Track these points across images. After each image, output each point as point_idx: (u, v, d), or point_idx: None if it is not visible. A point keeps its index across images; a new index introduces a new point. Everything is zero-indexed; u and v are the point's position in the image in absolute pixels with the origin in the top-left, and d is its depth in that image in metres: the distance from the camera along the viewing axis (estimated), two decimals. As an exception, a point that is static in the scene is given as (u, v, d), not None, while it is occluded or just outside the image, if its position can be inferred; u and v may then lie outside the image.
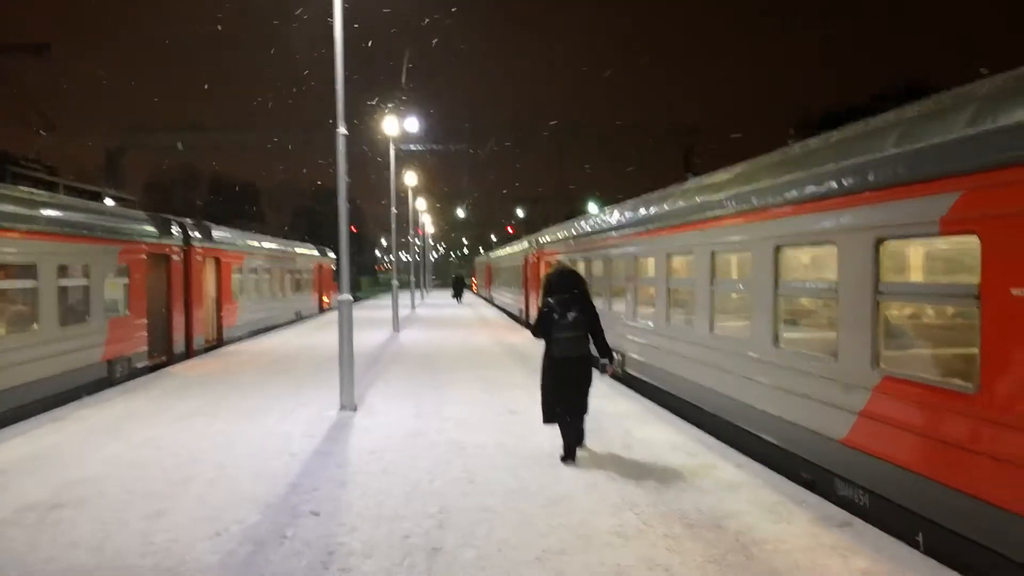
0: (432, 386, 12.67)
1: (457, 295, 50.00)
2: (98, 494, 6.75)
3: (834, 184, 6.78)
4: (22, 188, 11.48)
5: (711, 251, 9.59)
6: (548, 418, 7.93)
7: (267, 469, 7.56)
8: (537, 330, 7.89)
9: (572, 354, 7.68)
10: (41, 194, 11.94)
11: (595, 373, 7.93)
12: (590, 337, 7.80)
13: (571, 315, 7.65)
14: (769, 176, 8.19)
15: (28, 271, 11.02)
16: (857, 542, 5.49)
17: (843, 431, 6.56)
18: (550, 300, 7.80)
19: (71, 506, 6.41)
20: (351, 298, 10.70)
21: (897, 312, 6.97)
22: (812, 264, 8.29)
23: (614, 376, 9.03)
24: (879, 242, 6.18)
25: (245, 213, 78.88)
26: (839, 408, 6.61)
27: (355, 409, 10.51)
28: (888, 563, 5.13)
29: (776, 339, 7.85)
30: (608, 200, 18.58)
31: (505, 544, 5.47)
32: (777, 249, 7.84)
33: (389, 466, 7.65)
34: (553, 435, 8.64)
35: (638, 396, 11.58)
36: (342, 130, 10.36)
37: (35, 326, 11.10)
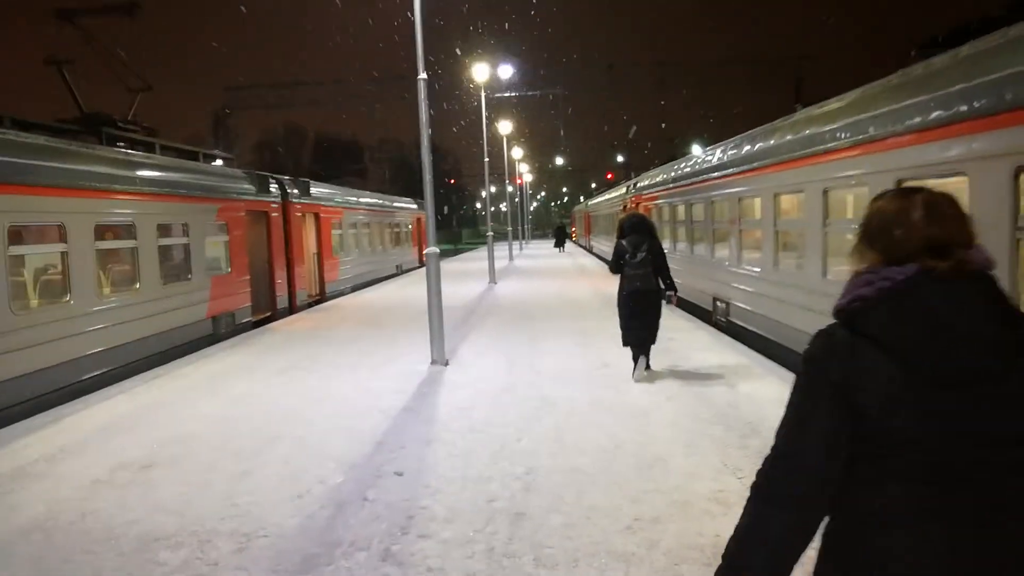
0: (525, 338, 12.36)
1: (559, 244, 49.85)
2: (189, 453, 6.78)
3: (963, 107, 5.92)
4: (116, 149, 11.68)
5: (823, 188, 8.76)
6: (626, 342, 9.06)
7: (355, 426, 7.44)
8: (613, 267, 9.12)
9: (641, 287, 8.73)
10: (136, 155, 12.15)
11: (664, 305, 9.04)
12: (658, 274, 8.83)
13: (640, 254, 8.72)
14: (887, 101, 7.30)
15: (128, 231, 11.27)
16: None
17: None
18: (623, 242, 8.88)
19: (162, 465, 6.44)
20: (437, 250, 10.43)
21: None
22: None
23: (678, 305, 10.21)
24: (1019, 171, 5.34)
25: (349, 170, 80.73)
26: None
27: (446, 364, 10.32)
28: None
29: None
30: (713, 143, 17.58)
31: (594, 510, 5.09)
32: (898, 183, 7.00)
33: (477, 423, 7.39)
34: (649, 391, 8.19)
35: (744, 348, 10.91)
36: (422, 75, 9.96)
37: (137, 285, 11.38)
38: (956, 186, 6.19)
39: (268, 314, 16.94)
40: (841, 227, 8.69)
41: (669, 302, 9.29)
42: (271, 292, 17.37)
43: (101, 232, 10.45)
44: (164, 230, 12.28)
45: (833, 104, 8.95)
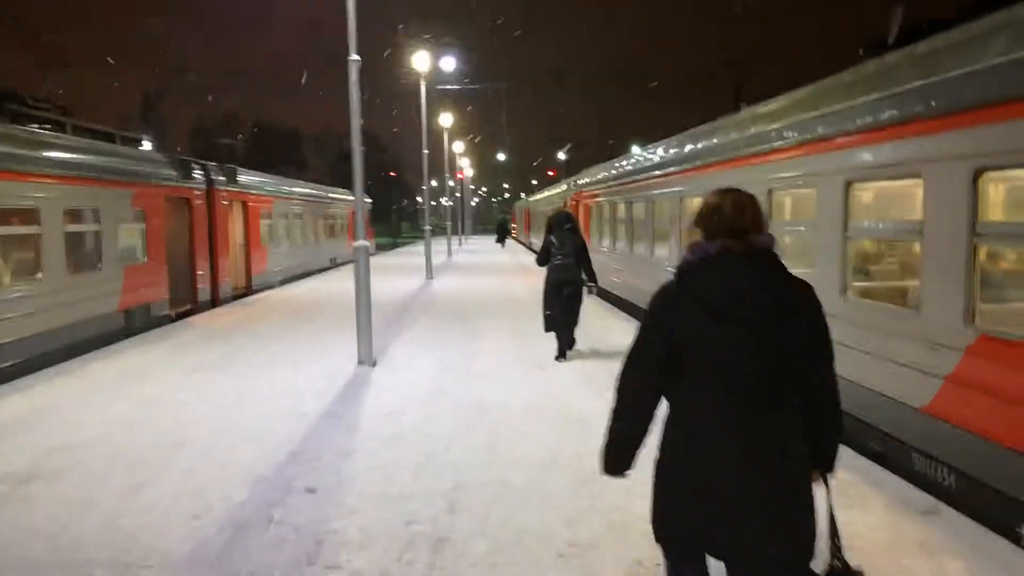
0: (459, 337, 11.86)
1: (500, 240, 50.07)
2: (78, 463, 6.08)
3: (919, 106, 5.65)
4: (15, 126, 10.73)
5: (768, 189, 8.48)
6: (548, 327, 9.90)
7: (269, 433, 6.83)
8: (541, 259, 9.91)
9: (565, 277, 9.58)
10: (41, 134, 11.21)
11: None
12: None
13: (565, 247, 9.61)
14: (839, 99, 7.02)
15: (29, 216, 10.36)
16: (947, 536, 4.54)
17: (927, 398, 5.56)
18: (551, 237, 9.74)
19: (45, 479, 5.75)
20: (367, 243, 9.83)
21: (997, 258, 5.87)
22: (887, 203, 7.17)
23: (598, 294, 11.16)
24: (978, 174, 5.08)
25: (288, 160, 78.62)
26: (922, 371, 5.59)
27: (374, 364, 9.74)
28: (990, 564, 4.18)
29: (844, 289, 6.80)
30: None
31: (525, 533, 4.65)
32: (848, 185, 6.73)
33: (404, 431, 6.87)
34: (587, 397, 7.81)
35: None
36: (354, 56, 9.34)
37: (39, 275, 10.47)
38: (911, 188, 5.94)
39: (188, 307, 16.03)
40: (791, 229, 8.44)
41: (590, 292, 10.30)
42: (192, 284, 16.45)
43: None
44: (71, 216, 11.37)
45: (782, 101, 8.68)
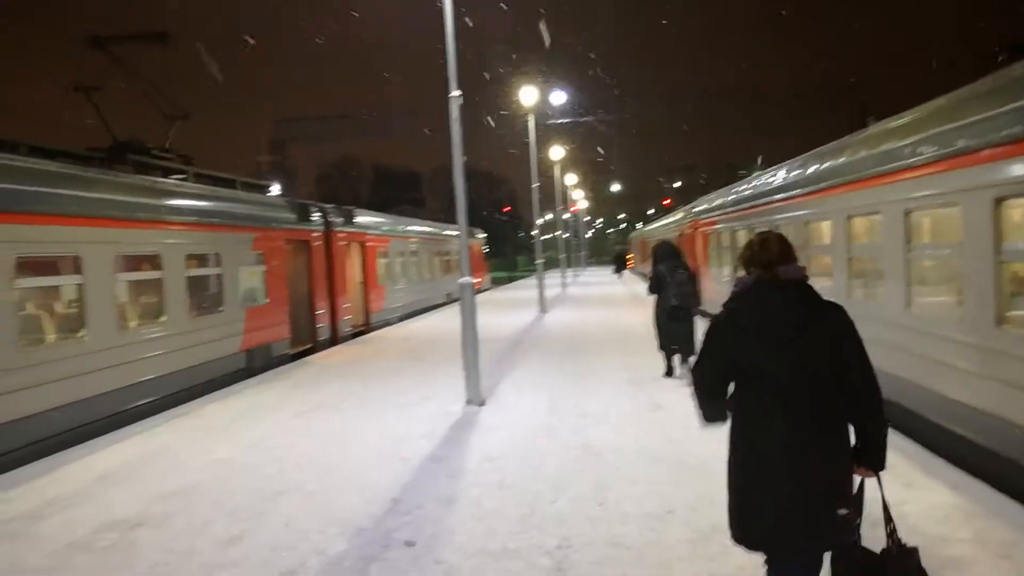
0: (571, 374, 11.44)
1: (618, 270, 50.83)
2: (184, 509, 6.05)
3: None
4: (139, 176, 11.23)
5: (904, 209, 7.69)
6: (662, 345, 10.70)
7: (372, 479, 6.63)
8: (652, 287, 10.71)
9: (680, 304, 10.29)
10: (161, 182, 11.70)
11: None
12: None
13: (678, 275, 10.39)
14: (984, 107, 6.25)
15: (152, 262, 10.78)
16: None
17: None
18: (660, 267, 10.55)
19: (151, 525, 5.73)
20: (471, 280, 9.58)
21: None
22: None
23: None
24: None
25: (406, 199, 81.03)
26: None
27: (482, 403, 9.47)
28: None
29: (999, 319, 5.97)
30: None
31: (637, 601, 4.17)
32: (998, 202, 5.93)
33: (508, 477, 6.51)
34: (707, 439, 7.25)
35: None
36: (455, 93, 9.25)
37: (163, 318, 10.86)
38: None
39: (309, 346, 16.38)
40: (931, 253, 7.62)
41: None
42: (311, 323, 16.81)
43: (122, 262, 9.94)
44: (193, 260, 11.78)
45: (916, 114, 7.89)
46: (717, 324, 3.32)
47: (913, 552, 3.23)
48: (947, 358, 6.76)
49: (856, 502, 3.19)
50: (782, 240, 3.30)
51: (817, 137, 12.73)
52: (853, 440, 3.20)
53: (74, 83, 11.81)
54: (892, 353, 7.86)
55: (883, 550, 3.24)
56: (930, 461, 6.44)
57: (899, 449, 6.81)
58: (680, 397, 9.06)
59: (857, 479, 3.21)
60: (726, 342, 3.25)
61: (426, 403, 9.78)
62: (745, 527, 3.26)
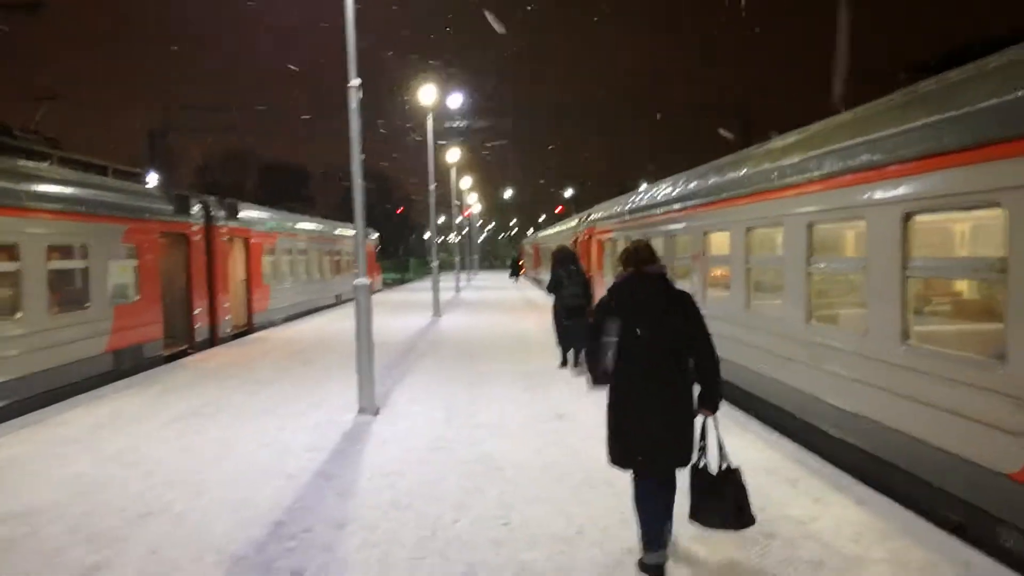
0: (467, 381, 11.03)
1: (514, 274, 51.20)
2: (31, 534, 5.29)
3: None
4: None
5: (807, 223, 7.71)
6: (561, 342, 11.98)
7: (252, 498, 6.01)
8: (551, 288, 11.94)
9: (574, 304, 11.46)
10: (23, 165, 10.54)
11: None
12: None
13: (575, 278, 11.70)
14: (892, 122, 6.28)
15: (8, 252, 9.66)
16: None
17: (1016, 463, 4.73)
18: (559, 271, 11.81)
19: (-12, 555, 4.94)
20: (368, 282, 9.00)
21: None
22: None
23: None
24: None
25: (295, 196, 78.30)
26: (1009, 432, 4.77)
27: (376, 413, 8.92)
28: None
29: (905, 335, 5.98)
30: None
31: (550, 638, 3.80)
32: (906, 217, 5.95)
33: (404, 496, 6.03)
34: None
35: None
36: (354, 81, 8.68)
37: (19, 315, 9.74)
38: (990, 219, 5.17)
39: (185, 347, 15.28)
40: (838, 266, 7.66)
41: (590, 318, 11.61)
42: (189, 322, 15.70)
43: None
44: (55, 252, 10.66)
45: (823, 125, 7.94)
46: (603, 303, 4.61)
47: (737, 471, 4.47)
48: (850, 372, 6.76)
49: (701, 435, 4.48)
50: (649, 246, 4.67)
51: (706, 156, 12.92)
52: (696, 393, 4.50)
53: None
54: (789, 364, 7.86)
55: (718, 469, 4.48)
56: (839, 478, 6.39)
57: (802, 463, 6.77)
58: (581, 407, 8.82)
59: (700, 419, 4.49)
60: (609, 316, 4.47)
61: (314, 411, 9.14)
62: (618, 453, 4.53)
